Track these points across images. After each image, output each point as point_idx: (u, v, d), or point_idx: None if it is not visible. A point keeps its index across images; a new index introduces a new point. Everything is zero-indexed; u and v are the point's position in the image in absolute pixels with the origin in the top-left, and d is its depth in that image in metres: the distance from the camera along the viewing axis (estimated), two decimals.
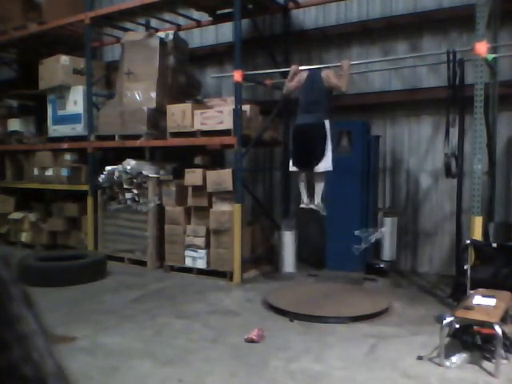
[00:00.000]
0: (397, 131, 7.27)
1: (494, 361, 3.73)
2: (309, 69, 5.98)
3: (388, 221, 6.87)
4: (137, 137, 7.55)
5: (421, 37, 7.00)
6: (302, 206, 6.02)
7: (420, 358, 3.95)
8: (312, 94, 5.65)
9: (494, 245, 4.97)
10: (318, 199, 5.73)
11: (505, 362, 3.81)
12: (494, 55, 5.32)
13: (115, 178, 7.63)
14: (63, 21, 8.60)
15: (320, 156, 5.47)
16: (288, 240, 7.12)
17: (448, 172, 5.54)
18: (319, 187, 5.71)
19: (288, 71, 7.47)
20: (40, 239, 9.03)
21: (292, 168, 5.83)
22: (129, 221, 7.72)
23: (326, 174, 5.69)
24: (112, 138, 7.87)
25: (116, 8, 7.99)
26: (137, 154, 7.76)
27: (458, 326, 3.99)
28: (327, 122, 5.48)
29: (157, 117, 7.57)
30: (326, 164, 5.53)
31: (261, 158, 8.60)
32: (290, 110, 7.85)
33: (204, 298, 5.79)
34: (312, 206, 5.82)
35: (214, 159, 8.13)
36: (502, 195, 6.44)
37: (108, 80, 9.32)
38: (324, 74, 5.70)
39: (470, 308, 3.96)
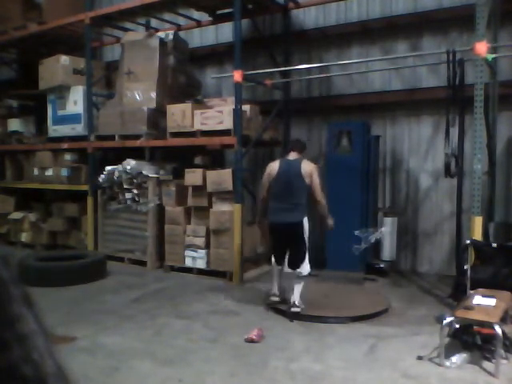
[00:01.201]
0: (397, 131, 7.27)
1: (493, 361, 3.73)
2: (286, 159, 5.30)
3: (388, 221, 6.87)
4: (137, 137, 7.55)
5: (421, 37, 7.00)
6: (272, 299, 5.31)
7: (420, 357, 3.95)
8: (289, 186, 5.02)
9: (494, 245, 4.97)
10: (297, 299, 4.96)
11: (505, 362, 3.81)
12: (493, 55, 5.32)
13: (115, 178, 7.63)
14: (63, 21, 8.61)
15: (302, 258, 5.02)
16: None
17: (447, 171, 5.55)
18: (298, 288, 4.99)
19: (288, 71, 7.52)
20: (40, 239, 9.03)
21: (274, 263, 5.31)
22: (129, 221, 7.72)
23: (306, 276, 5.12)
24: (112, 138, 7.87)
25: (116, 8, 7.99)
26: (137, 154, 7.76)
27: (457, 326, 3.99)
28: (305, 220, 5.01)
29: (157, 117, 7.57)
30: (306, 267, 5.06)
31: (261, 158, 8.59)
32: (290, 110, 7.87)
33: (204, 298, 5.79)
34: (279, 303, 5.22)
35: (214, 159, 8.13)
36: (502, 195, 6.44)
37: (108, 80, 9.32)
38: (308, 167, 5.03)
39: (469, 308, 3.96)
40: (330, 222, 5.19)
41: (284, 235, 5.05)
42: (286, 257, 5.10)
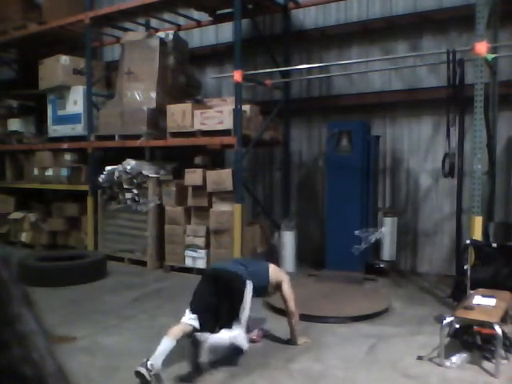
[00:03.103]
0: (397, 131, 7.27)
1: (494, 361, 3.72)
2: None
3: (388, 221, 6.87)
4: (137, 137, 7.55)
5: (421, 37, 7.00)
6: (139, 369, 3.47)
7: (420, 357, 3.95)
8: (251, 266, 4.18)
9: (494, 245, 4.97)
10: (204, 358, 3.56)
11: (505, 362, 3.81)
12: (493, 55, 5.32)
13: (115, 178, 7.63)
14: (63, 21, 8.61)
15: (227, 321, 3.81)
16: (288, 240, 7.13)
17: (451, 172, 5.56)
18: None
19: (288, 71, 7.52)
20: (40, 239, 9.03)
21: (187, 317, 3.82)
22: (129, 221, 7.72)
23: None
24: (112, 138, 7.87)
25: (116, 8, 8.00)
26: (137, 154, 7.76)
27: (458, 325, 3.99)
28: (250, 285, 3.90)
29: (157, 117, 7.57)
30: (238, 338, 3.78)
31: (261, 158, 8.60)
32: (290, 110, 7.87)
33: None
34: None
35: (214, 159, 8.13)
36: (502, 195, 6.44)
37: (108, 80, 9.32)
38: (276, 273, 4.32)
39: (470, 308, 3.96)
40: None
41: None
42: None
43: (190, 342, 3.53)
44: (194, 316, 3.79)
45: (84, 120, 8.48)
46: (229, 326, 3.76)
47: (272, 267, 4.31)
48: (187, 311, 3.84)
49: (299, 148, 8.13)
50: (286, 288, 4.24)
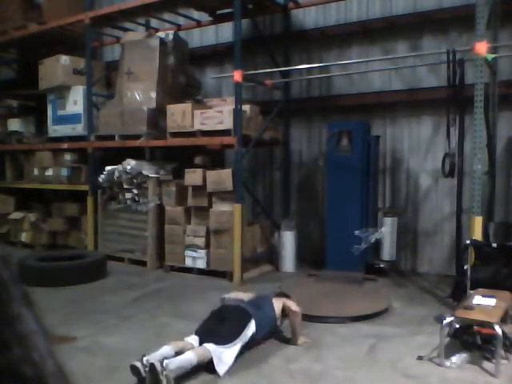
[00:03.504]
0: (397, 131, 7.27)
1: (494, 361, 3.72)
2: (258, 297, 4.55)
3: (388, 221, 6.87)
4: (137, 137, 7.55)
5: (421, 37, 7.00)
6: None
7: (420, 357, 3.95)
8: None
9: (494, 245, 4.97)
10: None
11: (505, 362, 3.81)
12: (494, 55, 5.32)
13: (115, 178, 7.63)
14: (63, 21, 8.61)
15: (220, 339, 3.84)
16: (288, 240, 7.13)
17: (452, 172, 5.56)
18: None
19: (288, 71, 7.52)
20: (40, 239, 9.03)
21: (190, 337, 3.91)
22: (129, 221, 7.72)
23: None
24: (112, 138, 7.87)
25: (116, 8, 7.99)
26: (137, 154, 7.76)
27: (458, 325, 3.99)
28: (253, 324, 4.03)
29: (157, 117, 7.58)
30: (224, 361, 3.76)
31: (261, 158, 8.60)
32: (290, 110, 7.87)
33: (204, 298, 5.78)
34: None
35: (214, 159, 8.14)
36: (502, 195, 6.44)
37: (108, 80, 9.32)
38: (278, 303, 4.36)
39: (470, 308, 3.96)
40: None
41: None
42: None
43: (148, 371, 3.39)
44: (196, 338, 3.90)
45: (84, 120, 8.48)
46: (220, 342, 3.80)
47: (275, 301, 4.39)
48: (193, 334, 3.97)
49: (299, 148, 8.13)
50: (292, 305, 4.37)
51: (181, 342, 3.85)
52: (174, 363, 3.47)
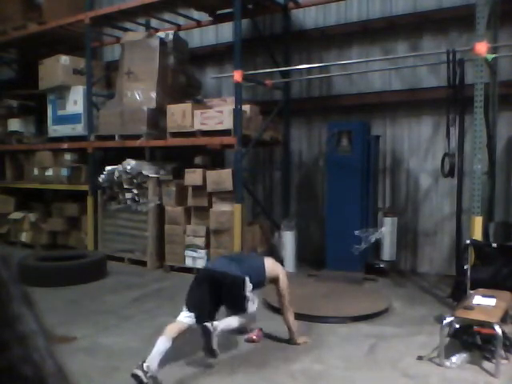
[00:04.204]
0: (397, 131, 7.27)
1: (494, 361, 3.72)
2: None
3: (388, 221, 6.87)
4: (137, 137, 7.55)
5: (421, 37, 7.00)
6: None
7: (420, 357, 3.95)
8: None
9: (494, 245, 4.97)
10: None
11: (505, 362, 3.80)
12: (494, 55, 5.32)
13: (115, 178, 7.63)
14: (63, 21, 8.61)
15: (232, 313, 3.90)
16: (288, 240, 7.13)
17: (452, 172, 5.56)
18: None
19: (288, 71, 7.52)
20: (40, 239, 9.03)
21: (182, 316, 3.81)
22: (129, 221, 7.72)
23: None
24: (112, 138, 7.87)
25: (116, 8, 8.00)
26: (137, 154, 7.76)
27: (458, 325, 3.99)
28: (248, 281, 3.89)
29: (157, 117, 7.58)
30: None
31: (261, 158, 8.60)
32: (290, 110, 7.87)
33: None
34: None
35: (214, 159, 8.14)
36: (502, 195, 6.44)
37: (108, 80, 9.32)
38: (272, 267, 4.24)
39: (469, 308, 3.96)
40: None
41: None
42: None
43: (200, 333, 3.64)
44: (190, 314, 3.77)
45: (84, 120, 8.48)
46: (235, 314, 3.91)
47: (268, 261, 4.24)
48: (183, 309, 3.82)
49: (299, 148, 8.13)
50: (283, 281, 4.19)
51: (174, 325, 3.74)
52: (222, 325, 3.71)
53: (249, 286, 3.88)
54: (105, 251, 7.71)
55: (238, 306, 3.89)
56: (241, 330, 4.26)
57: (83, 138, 8.44)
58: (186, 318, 3.76)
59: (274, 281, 4.21)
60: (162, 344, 3.58)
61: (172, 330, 3.70)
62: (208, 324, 3.63)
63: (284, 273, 4.28)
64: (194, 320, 3.76)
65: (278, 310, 5.13)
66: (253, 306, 3.96)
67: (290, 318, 4.25)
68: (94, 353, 4.15)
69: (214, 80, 8.53)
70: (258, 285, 4.06)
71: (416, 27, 6.99)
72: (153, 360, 3.46)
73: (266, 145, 7.82)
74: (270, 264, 4.23)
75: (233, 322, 3.87)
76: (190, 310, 3.79)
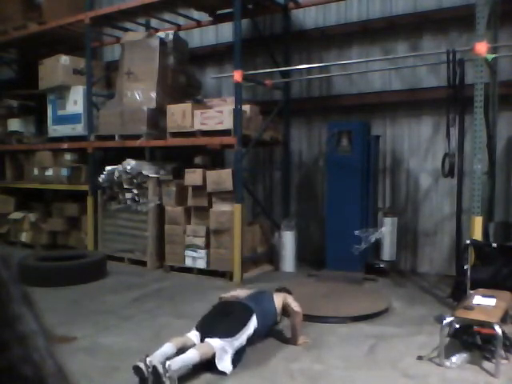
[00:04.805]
0: (397, 131, 7.27)
1: (494, 361, 3.72)
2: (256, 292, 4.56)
3: (388, 221, 6.87)
4: (137, 137, 7.55)
5: (421, 37, 7.00)
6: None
7: (420, 357, 3.95)
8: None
9: (494, 245, 4.97)
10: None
11: (505, 362, 3.80)
12: (494, 55, 5.32)
13: (115, 178, 7.63)
14: (63, 21, 8.61)
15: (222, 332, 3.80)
16: (288, 240, 7.14)
17: (451, 172, 5.56)
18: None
19: (288, 71, 7.52)
20: (40, 239, 9.04)
21: (191, 333, 3.90)
22: (129, 221, 7.72)
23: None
24: (112, 138, 7.87)
25: (116, 8, 7.99)
26: (137, 154, 7.76)
27: (458, 325, 3.99)
28: (254, 318, 4.03)
29: (157, 117, 7.58)
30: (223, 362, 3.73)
31: (261, 158, 8.60)
32: (290, 110, 7.87)
33: (204, 298, 5.77)
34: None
35: (214, 159, 8.14)
36: (502, 195, 6.44)
37: (108, 80, 9.32)
38: (279, 299, 4.36)
39: (469, 308, 3.96)
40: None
41: None
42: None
43: (151, 372, 3.34)
44: (197, 333, 3.88)
45: (84, 120, 8.48)
46: (223, 336, 3.77)
47: (276, 296, 4.39)
48: (193, 329, 3.95)
49: (299, 148, 8.14)
50: (292, 302, 4.35)
51: (182, 338, 3.85)
52: (177, 363, 3.44)
53: (254, 321, 4.02)
54: (105, 251, 7.72)
55: (232, 328, 3.86)
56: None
57: (83, 138, 8.44)
58: (192, 335, 3.89)
59: (285, 308, 4.36)
60: (168, 348, 3.67)
61: (178, 340, 3.80)
62: (158, 366, 3.33)
63: (292, 297, 4.43)
64: (199, 339, 3.84)
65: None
66: (242, 338, 3.88)
67: (298, 322, 4.31)
68: (93, 353, 4.15)
69: (214, 80, 8.53)
70: (262, 329, 4.16)
71: (416, 27, 6.99)
72: (155, 358, 3.48)
73: (266, 145, 7.82)
74: (278, 297, 4.39)
75: (190, 355, 3.57)
76: (197, 329, 3.94)
